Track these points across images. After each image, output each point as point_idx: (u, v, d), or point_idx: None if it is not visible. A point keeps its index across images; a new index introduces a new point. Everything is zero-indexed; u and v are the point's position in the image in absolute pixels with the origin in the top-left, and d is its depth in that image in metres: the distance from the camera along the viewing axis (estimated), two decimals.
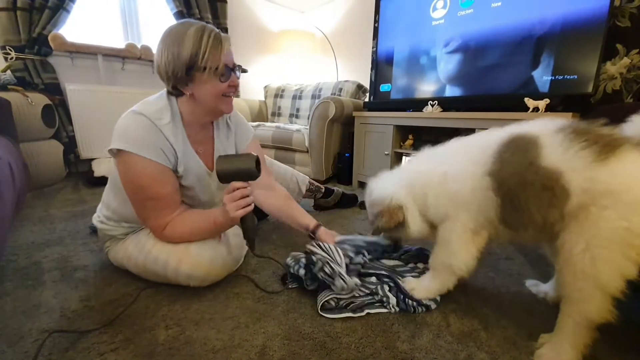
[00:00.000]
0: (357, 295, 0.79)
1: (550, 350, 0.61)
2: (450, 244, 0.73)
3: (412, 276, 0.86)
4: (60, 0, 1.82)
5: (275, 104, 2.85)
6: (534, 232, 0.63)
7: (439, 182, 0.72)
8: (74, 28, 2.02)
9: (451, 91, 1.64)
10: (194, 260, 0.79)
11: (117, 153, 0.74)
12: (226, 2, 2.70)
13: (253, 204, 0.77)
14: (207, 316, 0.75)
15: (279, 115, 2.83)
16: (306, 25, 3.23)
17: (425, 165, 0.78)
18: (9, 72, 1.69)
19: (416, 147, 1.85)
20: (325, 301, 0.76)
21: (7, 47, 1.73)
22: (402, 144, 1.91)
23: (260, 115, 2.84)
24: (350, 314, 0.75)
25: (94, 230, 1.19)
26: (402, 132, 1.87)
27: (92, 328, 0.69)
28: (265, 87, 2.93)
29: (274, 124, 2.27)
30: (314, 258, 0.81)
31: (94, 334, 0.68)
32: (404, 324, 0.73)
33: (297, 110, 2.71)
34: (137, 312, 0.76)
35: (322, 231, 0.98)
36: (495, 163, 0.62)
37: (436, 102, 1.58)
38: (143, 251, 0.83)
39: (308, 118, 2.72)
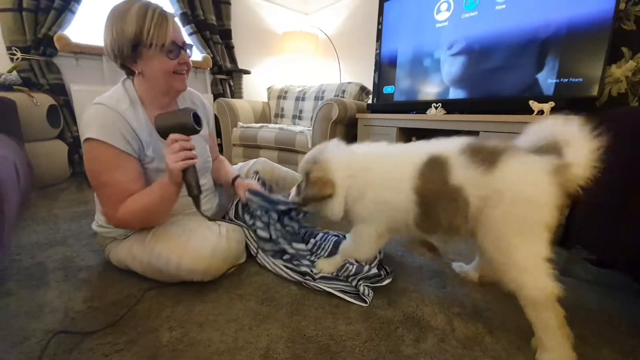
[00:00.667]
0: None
1: (543, 351, 0.63)
2: (360, 243, 0.88)
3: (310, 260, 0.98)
4: (65, 1, 1.83)
5: (279, 105, 2.86)
6: (441, 233, 0.76)
7: (377, 187, 0.79)
8: (78, 29, 2.03)
9: (455, 93, 1.64)
10: (195, 254, 0.80)
11: (83, 144, 0.76)
12: (230, 3, 2.72)
13: (196, 159, 0.76)
14: (211, 317, 0.75)
15: (282, 116, 2.84)
16: (310, 27, 3.24)
17: (372, 164, 0.82)
18: (14, 72, 1.70)
19: None
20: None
21: (13, 48, 1.74)
22: None
23: (263, 116, 2.84)
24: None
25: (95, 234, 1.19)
26: (406, 134, 1.86)
27: (96, 329, 0.69)
28: (269, 88, 2.93)
29: (277, 126, 2.27)
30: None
31: (98, 335, 0.67)
32: (408, 327, 0.73)
33: (300, 111, 2.71)
34: (141, 313, 0.76)
35: (238, 183, 1.08)
36: (420, 179, 0.72)
37: (440, 104, 1.57)
38: (147, 249, 0.84)
39: (311, 119, 2.72)
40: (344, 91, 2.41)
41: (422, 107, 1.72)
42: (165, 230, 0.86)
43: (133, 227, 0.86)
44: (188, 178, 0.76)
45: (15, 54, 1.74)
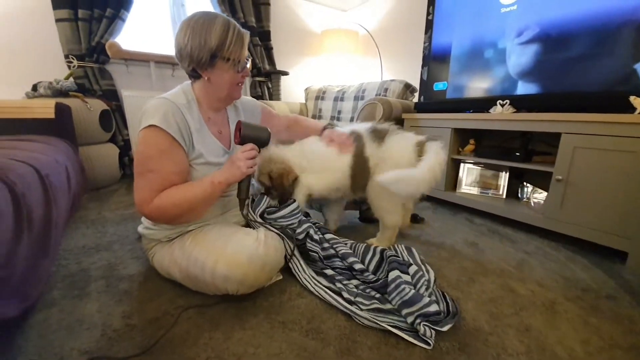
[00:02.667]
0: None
1: (375, 241, 1.14)
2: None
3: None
4: (116, 10, 1.91)
5: (316, 106, 2.77)
6: (360, 191, 1.12)
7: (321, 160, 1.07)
8: (128, 36, 2.12)
9: (525, 88, 1.40)
10: (231, 260, 0.76)
11: (141, 132, 0.79)
12: (270, 4, 2.68)
13: (255, 169, 0.87)
14: (251, 350, 0.66)
15: (320, 117, 2.74)
16: (349, 24, 3.11)
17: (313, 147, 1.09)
18: (70, 79, 1.80)
19: (478, 153, 1.63)
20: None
21: (70, 56, 1.85)
22: (460, 149, 1.69)
23: None
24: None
25: (140, 237, 1.19)
26: (462, 135, 1.66)
27: (132, 354, 0.63)
28: (306, 89, 2.86)
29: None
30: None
31: None
32: None
33: (339, 112, 2.60)
34: (178, 336, 0.70)
35: (326, 132, 1.12)
36: (354, 153, 1.06)
37: (507, 101, 1.35)
38: (185, 254, 0.82)
39: (350, 120, 2.60)
40: (386, 89, 2.24)
41: (482, 104, 1.51)
42: (204, 234, 0.85)
43: (162, 218, 0.82)
44: (244, 182, 0.86)
45: (72, 62, 1.84)
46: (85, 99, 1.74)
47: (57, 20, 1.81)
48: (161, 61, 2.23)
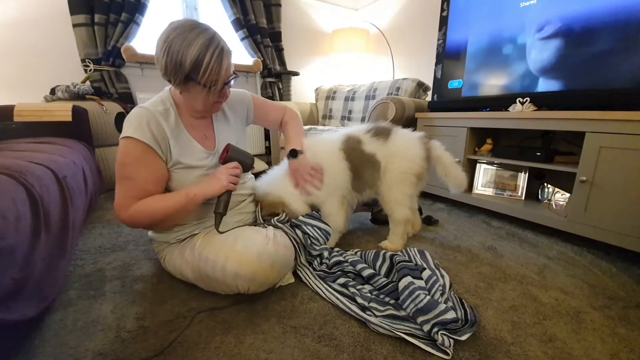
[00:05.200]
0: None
1: (388, 243, 1.15)
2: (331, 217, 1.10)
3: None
4: (132, 14, 1.94)
5: (327, 106, 2.75)
6: (369, 190, 1.13)
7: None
8: (143, 40, 2.15)
9: (547, 85, 1.34)
10: (241, 257, 0.77)
11: (120, 142, 0.80)
12: (280, 5, 2.68)
13: (236, 189, 0.88)
14: (262, 355, 0.65)
15: (330, 117, 2.72)
16: (360, 23, 3.07)
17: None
18: (87, 82, 1.85)
19: (495, 152, 1.57)
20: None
21: (86, 60, 1.89)
22: (477, 149, 1.64)
23: (311, 118, 2.76)
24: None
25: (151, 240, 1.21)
26: (479, 135, 1.60)
27: (145, 357, 0.63)
28: (317, 89, 2.84)
29: (325, 127, 2.17)
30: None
31: None
32: None
33: (350, 112, 2.57)
34: (190, 340, 0.69)
35: (290, 164, 1.06)
36: (347, 154, 1.07)
37: (527, 98, 1.30)
38: (196, 253, 0.83)
39: (361, 120, 2.57)
40: (398, 88, 2.20)
41: (501, 102, 1.45)
42: (213, 233, 0.86)
43: (139, 225, 0.83)
44: (223, 197, 0.85)
45: (88, 66, 1.89)
46: (101, 102, 1.78)
47: (75, 26, 1.86)
48: None
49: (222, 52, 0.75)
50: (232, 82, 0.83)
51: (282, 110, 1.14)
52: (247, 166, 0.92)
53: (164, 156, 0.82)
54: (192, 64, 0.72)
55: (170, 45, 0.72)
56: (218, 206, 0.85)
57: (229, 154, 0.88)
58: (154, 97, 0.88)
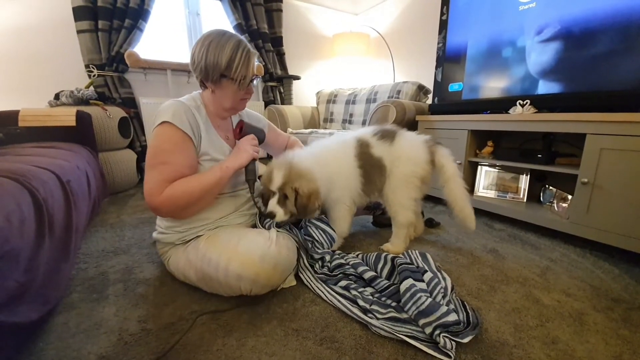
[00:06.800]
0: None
1: (390, 245, 1.14)
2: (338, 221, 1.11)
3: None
4: (135, 20, 1.97)
5: (328, 109, 2.76)
6: (377, 193, 1.14)
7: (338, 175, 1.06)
8: (146, 45, 2.18)
9: (547, 87, 1.34)
10: (243, 258, 0.78)
11: (156, 128, 0.85)
12: (282, 10, 2.71)
13: (258, 156, 0.98)
14: (264, 358, 0.65)
15: (332, 121, 2.74)
16: (360, 27, 3.10)
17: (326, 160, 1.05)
18: (91, 88, 1.87)
19: (496, 155, 1.57)
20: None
21: (90, 66, 1.92)
22: (478, 151, 1.64)
23: (312, 121, 2.78)
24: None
25: (155, 242, 1.21)
26: (479, 137, 1.61)
27: None
28: (318, 93, 2.86)
29: (327, 131, 2.18)
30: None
31: None
32: None
33: (351, 115, 2.58)
34: (192, 342, 0.69)
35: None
36: (359, 158, 1.07)
37: (527, 101, 1.30)
38: (199, 255, 0.84)
39: (362, 123, 2.57)
40: (399, 91, 2.22)
41: (501, 105, 1.46)
42: (216, 235, 0.88)
43: (172, 208, 0.83)
44: (250, 166, 0.95)
45: (92, 71, 1.91)
46: (105, 107, 1.80)
47: (79, 32, 1.89)
48: (177, 69, 2.28)
49: (249, 51, 0.89)
50: (255, 81, 0.94)
51: (287, 136, 1.30)
52: (261, 138, 1.03)
53: (196, 144, 0.88)
54: (226, 62, 0.84)
55: (208, 49, 0.84)
56: (248, 174, 0.95)
57: (244, 129, 0.98)
58: (168, 100, 0.93)
